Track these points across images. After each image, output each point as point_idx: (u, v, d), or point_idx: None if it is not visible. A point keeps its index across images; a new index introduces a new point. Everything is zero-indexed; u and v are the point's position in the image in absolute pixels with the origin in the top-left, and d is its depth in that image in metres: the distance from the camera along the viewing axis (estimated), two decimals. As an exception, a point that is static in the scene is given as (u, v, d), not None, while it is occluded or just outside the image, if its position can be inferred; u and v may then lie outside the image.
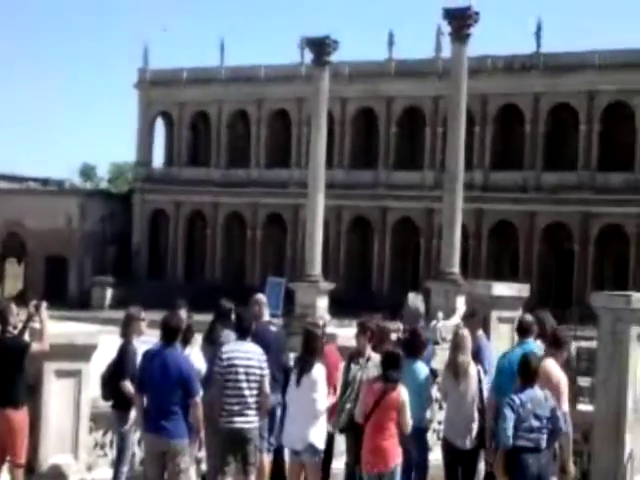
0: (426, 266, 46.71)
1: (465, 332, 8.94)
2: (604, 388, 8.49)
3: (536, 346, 8.74)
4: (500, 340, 11.27)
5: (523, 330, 8.71)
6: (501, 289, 11.59)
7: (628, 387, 8.61)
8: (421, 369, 9.01)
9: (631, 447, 8.59)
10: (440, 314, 15.66)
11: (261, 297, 9.98)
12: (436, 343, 12.32)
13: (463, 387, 8.70)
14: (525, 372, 7.96)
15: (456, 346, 8.84)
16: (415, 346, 9.07)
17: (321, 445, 8.45)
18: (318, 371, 8.45)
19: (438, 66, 46.80)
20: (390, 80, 49.01)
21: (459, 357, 8.74)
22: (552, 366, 8.30)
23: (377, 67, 49.74)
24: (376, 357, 9.14)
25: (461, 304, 15.37)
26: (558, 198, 45.07)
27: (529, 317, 8.75)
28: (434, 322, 14.47)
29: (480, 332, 9.50)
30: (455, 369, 8.73)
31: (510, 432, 7.74)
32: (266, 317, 9.80)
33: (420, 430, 8.89)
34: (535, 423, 7.80)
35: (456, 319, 15.26)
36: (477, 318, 10.12)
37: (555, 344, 8.43)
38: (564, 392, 8.21)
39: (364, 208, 49.90)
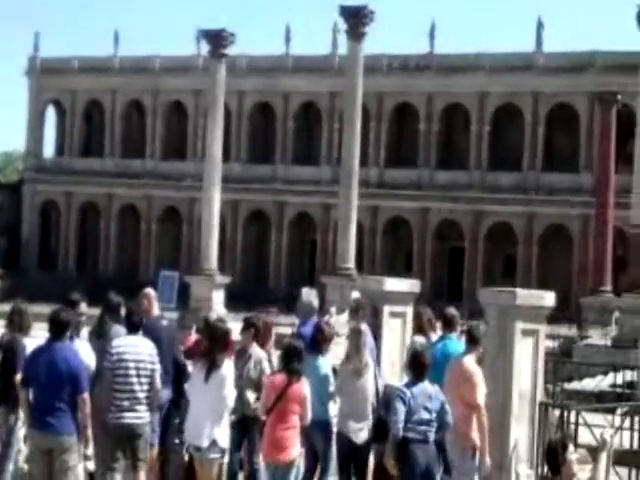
0: (322, 261, 47.03)
1: (362, 327, 9.05)
2: (491, 381, 8.73)
3: (456, 339, 8.92)
4: (392, 333, 11.48)
5: (447, 323, 8.89)
6: (393, 284, 11.77)
7: (513, 380, 8.88)
8: (323, 364, 9.05)
9: (516, 438, 8.87)
10: (333, 309, 15.83)
11: (149, 291, 9.84)
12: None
13: (361, 383, 8.80)
14: (416, 366, 8.12)
15: (355, 342, 8.92)
16: (318, 341, 9.09)
17: (225, 443, 8.42)
18: (227, 368, 8.41)
19: (334, 63, 47.16)
20: (287, 75, 49.10)
21: (359, 353, 8.83)
22: (470, 362, 8.55)
23: (274, 61, 49.74)
24: (259, 354, 9.20)
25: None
26: (450, 196, 46.07)
27: (453, 310, 8.92)
28: (327, 317, 14.59)
29: (364, 326, 9.63)
30: (355, 365, 8.81)
31: (400, 424, 7.87)
32: (156, 311, 9.68)
33: (324, 423, 8.95)
34: (425, 416, 7.96)
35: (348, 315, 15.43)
36: (362, 313, 10.27)
37: (471, 340, 8.63)
38: (481, 386, 8.43)
39: (261, 202, 49.88)
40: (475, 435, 8.37)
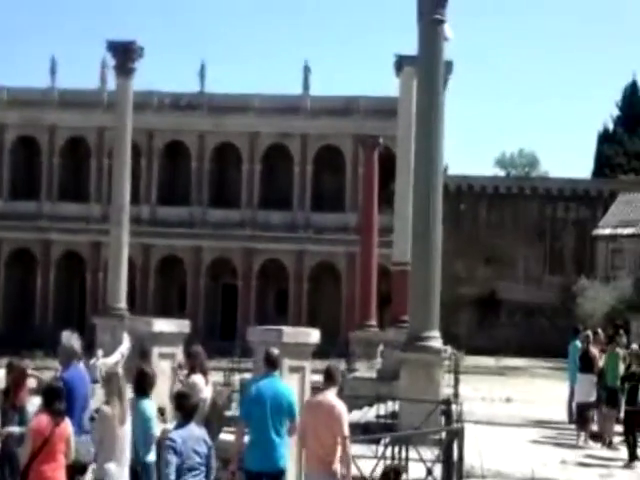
0: (93, 301, 45.69)
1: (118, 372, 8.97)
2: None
3: (278, 377, 8.91)
4: (162, 375, 11.30)
5: (271, 362, 8.92)
6: (162, 325, 11.65)
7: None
8: (147, 407, 8.99)
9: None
10: (100, 352, 15.40)
11: None
12: (95, 382, 12.06)
13: (124, 429, 8.61)
14: (184, 408, 8.06)
15: (115, 387, 8.71)
16: (142, 384, 9.09)
17: None
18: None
19: (103, 98, 46.38)
20: (53, 109, 47.67)
21: (121, 399, 8.64)
22: (335, 398, 8.75)
23: (39, 95, 48.09)
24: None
25: (126, 341, 15.23)
26: (223, 234, 46.39)
27: (276, 351, 8.95)
28: (94, 360, 14.18)
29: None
30: (118, 411, 8.60)
31: (172, 476, 7.75)
32: None
33: (146, 465, 8.94)
34: (196, 460, 7.90)
35: (117, 356, 15.06)
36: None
37: (329, 378, 8.84)
38: (347, 419, 8.70)
39: (26, 240, 47.75)
40: (338, 464, 8.57)
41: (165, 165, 48.56)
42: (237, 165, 47.75)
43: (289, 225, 46.70)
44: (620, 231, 43.10)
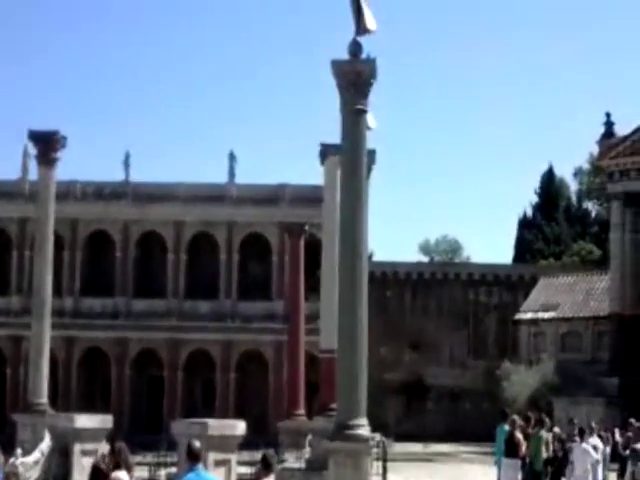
0: (13, 397, 44.17)
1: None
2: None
3: (203, 470, 8.72)
4: (84, 473, 10.97)
5: (193, 455, 8.72)
6: (84, 421, 11.38)
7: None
8: None
9: None
10: (19, 450, 14.83)
11: None
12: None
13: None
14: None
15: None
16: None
17: None
18: None
19: (25, 188, 45.84)
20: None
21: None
22: None
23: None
24: None
25: (47, 438, 14.72)
26: (148, 325, 45.71)
27: (197, 443, 8.74)
28: (12, 459, 13.67)
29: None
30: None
31: None
32: None
33: None
34: None
35: (37, 455, 14.54)
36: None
37: (266, 467, 8.82)
38: None
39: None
40: None
41: (89, 255, 47.90)
42: (162, 254, 47.42)
43: (216, 314, 46.31)
44: (541, 315, 43.94)
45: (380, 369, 43.54)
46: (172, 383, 45.90)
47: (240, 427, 9.35)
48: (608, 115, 41.42)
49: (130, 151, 47.88)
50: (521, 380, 39.41)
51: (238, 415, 19.60)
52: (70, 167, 74.33)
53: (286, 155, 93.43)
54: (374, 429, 16.41)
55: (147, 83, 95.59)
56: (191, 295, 46.82)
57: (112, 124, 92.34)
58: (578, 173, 62.24)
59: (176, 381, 45.96)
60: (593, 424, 21.64)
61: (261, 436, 26.32)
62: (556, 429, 18.10)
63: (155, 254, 47.95)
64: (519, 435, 17.92)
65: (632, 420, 22.20)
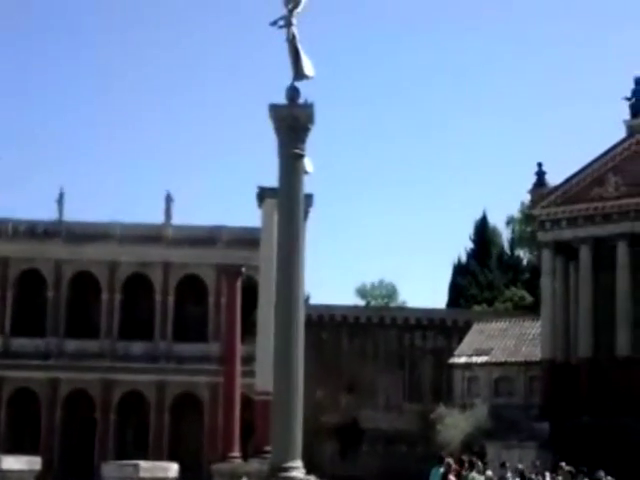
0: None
1: None
2: None
3: None
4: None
5: None
6: (10, 462, 11.15)
7: None
8: None
9: None
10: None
11: None
12: None
13: None
14: None
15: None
16: None
17: None
18: None
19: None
20: None
21: None
22: None
23: None
24: None
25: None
26: (80, 365, 44.96)
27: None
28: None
29: None
30: None
31: None
32: None
33: None
34: None
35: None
36: None
37: None
38: None
39: None
40: None
41: (20, 294, 47.05)
42: (96, 294, 46.80)
43: (150, 355, 45.77)
44: (475, 359, 44.40)
45: (316, 412, 43.41)
46: (104, 425, 45.11)
47: (173, 469, 9.29)
48: (540, 165, 42.33)
49: (64, 190, 47.36)
50: (455, 424, 39.66)
51: (172, 457, 19.35)
52: (1, 205, 73.19)
53: (223, 197, 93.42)
54: (309, 471, 16.39)
55: (83, 120, 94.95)
56: (125, 336, 46.24)
57: (46, 162, 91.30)
58: (510, 221, 63.36)
59: (108, 423, 45.18)
60: (519, 466, 21.91)
61: (195, 478, 26.05)
62: (489, 472, 18.29)
63: (89, 294, 47.31)
64: (453, 479, 18.06)
65: (562, 464, 22.53)
